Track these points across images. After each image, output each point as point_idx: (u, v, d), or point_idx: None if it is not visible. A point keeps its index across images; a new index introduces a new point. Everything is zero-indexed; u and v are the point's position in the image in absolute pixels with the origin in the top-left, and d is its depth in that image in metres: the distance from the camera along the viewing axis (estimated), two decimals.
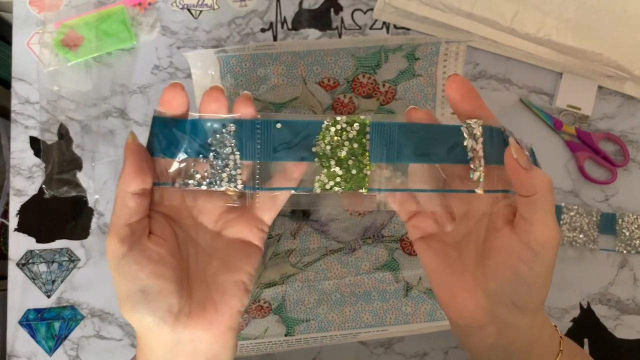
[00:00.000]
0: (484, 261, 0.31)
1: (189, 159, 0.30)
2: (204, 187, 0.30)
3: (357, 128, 0.30)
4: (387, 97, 0.50)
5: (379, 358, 0.51)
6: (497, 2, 0.51)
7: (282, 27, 0.55)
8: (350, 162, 0.30)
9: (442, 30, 0.54)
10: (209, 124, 0.30)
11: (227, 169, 0.30)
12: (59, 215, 0.52)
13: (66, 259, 0.51)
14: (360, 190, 0.30)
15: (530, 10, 0.50)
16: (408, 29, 0.55)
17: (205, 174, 0.30)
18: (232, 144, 0.30)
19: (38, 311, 0.51)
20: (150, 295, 0.28)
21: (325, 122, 0.30)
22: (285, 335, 0.48)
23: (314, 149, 0.30)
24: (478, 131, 0.30)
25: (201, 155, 0.30)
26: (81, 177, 0.52)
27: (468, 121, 0.30)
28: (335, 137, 0.30)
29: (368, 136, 0.30)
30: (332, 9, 0.56)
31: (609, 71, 0.52)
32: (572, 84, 0.54)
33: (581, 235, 0.52)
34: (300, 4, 0.56)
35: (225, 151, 0.30)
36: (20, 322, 0.51)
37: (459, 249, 0.33)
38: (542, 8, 0.50)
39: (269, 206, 0.33)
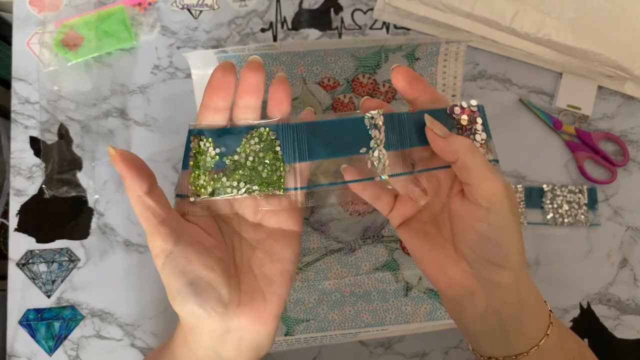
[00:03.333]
0: (453, 229, 0.33)
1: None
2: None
3: (261, 136, 0.32)
4: (387, 97, 0.50)
5: (379, 358, 0.51)
6: (497, 2, 0.51)
7: (282, 27, 0.55)
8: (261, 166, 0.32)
9: (442, 30, 0.54)
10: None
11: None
12: (59, 215, 0.52)
13: (66, 259, 0.52)
14: (275, 191, 0.32)
15: (530, 10, 0.50)
16: (408, 29, 0.55)
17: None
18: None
19: (38, 311, 0.51)
20: (199, 287, 0.29)
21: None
22: (285, 335, 0.48)
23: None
24: (380, 120, 0.32)
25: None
26: (81, 177, 0.52)
27: (370, 112, 0.32)
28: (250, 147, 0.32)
29: (278, 141, 0.32)
30: (332, 9, 0.56)
31: (609, 71, 0.52)
32: (572, 84, 0.54)
33: None
34: (300, 4, 0.56)
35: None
36: (20, 322, 0.51)
37: (437, 225, 0.34)
38: (542, 8, 0.50)
39: (300, 193, 0.34)
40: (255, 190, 0.31)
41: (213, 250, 0.30)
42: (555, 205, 0.53)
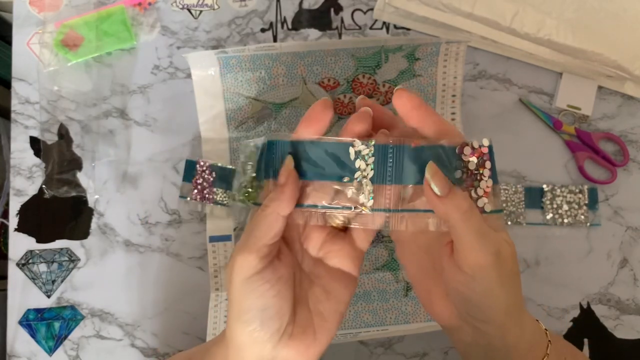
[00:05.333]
0: (443, 275, 0.31)
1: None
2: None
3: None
4: (387, 97, 0.50)
5: (379, 358, 0.51)
6: (497, 2, 0.51)
7: (282, 27, 0.55)
8: None
9: (442, 30, 0.54)
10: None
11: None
12: (59, 215, 0.52)
13: (66, 259, 0.52)
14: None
15: (530, 10, 0.50)
16: (408, 29, 0.55)
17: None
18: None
19: (38, 311, 0.51)
20: (269, 313, 0.29)
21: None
22: None
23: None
24: (367, 151, 0.30)
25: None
26: (81, 177, 0.52)
27: (357, 143, 0.30)
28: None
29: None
30: (332, 9, 0.56)
31: (609, 71, 0.52)
32: (572, 84, 0.54)
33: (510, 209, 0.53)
34: (300, 4, 0.56)
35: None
36: (20, 322, 0.51)
37: (430, 254, 0.33)
38: (542, 8, 0.50)
39: (366, 235, 0.34)
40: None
41: (290, 281, 0.31)
42: (555, 206, 0.53)
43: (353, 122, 0.31)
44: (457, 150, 0.30)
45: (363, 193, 0.30)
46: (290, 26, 0.55)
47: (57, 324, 0.51)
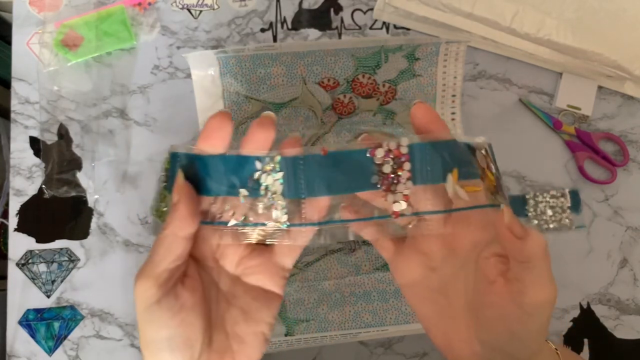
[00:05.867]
0: (477, 312, 0.30)
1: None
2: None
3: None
4: (387, 97, 0.50)
5: (379, 358, 0.51)
6: (497, 2, 0.50)
7: (282, 27, 0.55)
8: None
9: (442, 30, 0.54)
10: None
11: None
12: (59, 215, 0.52)
13: (66, 259, 0.51)
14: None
15: (530, 10, 0.50)
16: (408, 29, 0.55)
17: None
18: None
19: (38, 311, 0.51)
20: (176, 343, 0.27)
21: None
22: (285, 335, 0.48)
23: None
24: (273, 166, 0.28)
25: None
26: (81, 177, 0.52)
27: (262, 156, 0.28)
28: None
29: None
30: (332, 9, 0.56)
31: (608, 71, 0.52)
32: (572, 84, 0.54)
33: None
34: (300, 4, 0.56)
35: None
36: (20, 322, 0.51)
37: (446, 294, 0.31)
38: (542, 8, 0.50)
39: (289, 251, 0.32)
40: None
41: (196, 306, 0.29)
42: (539, 212, 0.52)
43: (254, 130, 0.29)
44: (368, 153, 0.28)
45: (276, 209, 0.29)
46: (290, 26, 0.55)
47: (56, 324, 0.51)
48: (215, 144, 0.28)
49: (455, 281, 0.31)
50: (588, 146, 0.54)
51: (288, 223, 0.29)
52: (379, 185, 0.28)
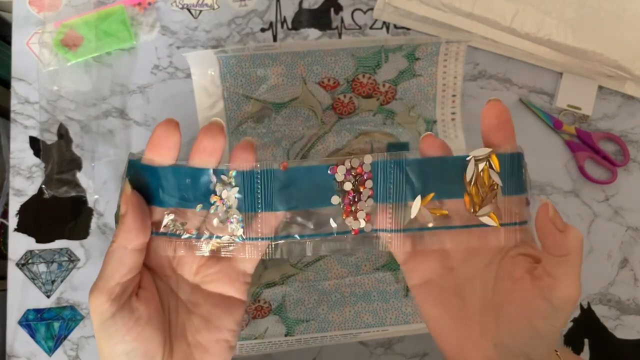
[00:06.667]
0: (496, 312, 0.29)
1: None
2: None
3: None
4: (387, 97, 0.50)
5: (379, 358, 0.51)
6: (497, 2, 0.50)
7: (282, 27, 0.55)
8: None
9: (442, 30, 0.54)
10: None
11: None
12: (59, 215, 0.52)
13: (66, 259, 0.51)
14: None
15: (530, 10, 0.50)
16: (408, 29, 0.55)
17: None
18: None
19: (38, 311, 0.51)
20: (135, 356, 0.27)
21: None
22: (285, 335, 0.48)
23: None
24: (227, 179, 0.28)
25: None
26: (81, 177, 0.52)
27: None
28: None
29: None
30: (332, 9, 0.55)
31: (609, 71, 0.52)
32: (572, 83, 0.54)
33: None
34: (300, 3, 0.55)
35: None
36: (20, 322, 0.51)
37: (461, 296, 0.31)
38: (542, 8, 0.50)
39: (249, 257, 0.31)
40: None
41: (153, 319, 0.28)
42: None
43: (201, 139, 0.28)
44: (329, 171, 0.28)
45: (232, 222, 0.28)
46: (290, 26, 0.55)
47: (56, 324, 0.51)
48: (163, 154, 0.28)
49: (473, 282, 0.30)
50: (588, 146, 0.54)
51: (244, 237, 0.29)
52: (339, 204, 0.28)
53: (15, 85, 0.53)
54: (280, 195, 0.28)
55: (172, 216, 0.29)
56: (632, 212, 0.54)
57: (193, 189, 0.28)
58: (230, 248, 0.30)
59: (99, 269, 0.51)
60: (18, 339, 0.50)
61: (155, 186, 0.28)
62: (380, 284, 0.49)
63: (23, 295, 0.51)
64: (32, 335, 0.50)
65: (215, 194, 0.28)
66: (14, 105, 0.53)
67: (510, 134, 0.30)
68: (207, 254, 0.30)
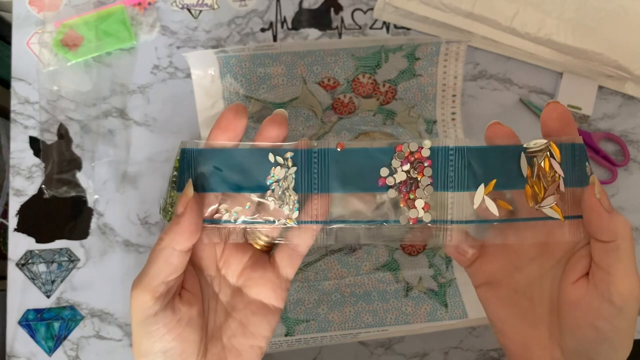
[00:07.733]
0: (559, 315, 0.28)
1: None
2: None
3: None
4: (387, 97, 0.50)
5: (379, 358, 0.51)
6: (498, 2, 0.50)
7: (282, 27, 0.55)
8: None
9: (442, 30, 0.54)
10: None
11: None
12: (59, 215, 0.52)
13: (66, 259, 0.51)
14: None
15: (530, 10, 0.50)
16: (408, 29, 0.55)
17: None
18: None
19: (37, 311, 0.51)
20: (171, 355, 0.27)
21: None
22: (285, 335, 0.48)
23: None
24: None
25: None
26: (81, 177, 0.52)
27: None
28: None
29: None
30: (332, 9, 0.55)
31: (609, 71, 0.52)
32: (573, 83, 0.54)
33: None
34: (300, 3, 0.55)
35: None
36: (20, 322, 0.51)
37: (530, 297, 0.30)
38: (542, 8, 0.50)
39: (291, 261, 0.31)
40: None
41: (194, 320, 0.28)
42: None
43: (267, 127, 0.28)
44: (393, 155, 0.27)
45: (287, 204, 0.28)
46: (290, 26, 0.55)
47: (56, 324, 0.51)
48: (229, 136, 0.28)
49: (542, 283, 0.29)
50: (588, 146, 0.54)
51: (299, 220, 0.28)
52: (396, 189, 0.27)
53: (15, 85, 0.53)
54: (336, 177, 0.27)
55: (225, 204, 0.28)
56: (633, 212, 0.54)
57: (252, 170, 0.28)
58: (285, 234, 0.29)
59: (99, 269, 0.51)
60: (18, 339, 0.50)
61: (211, 171, 0.28)
62: (380, 284, 0.49)
63: (23, 295, 0.51)
64: (32, 335, 0.50)
65: (273, 176, 0.28)
66: (14, 105, 0.53)
67: (573, 131, 0.28)
68: (264, 242, 0.30)
